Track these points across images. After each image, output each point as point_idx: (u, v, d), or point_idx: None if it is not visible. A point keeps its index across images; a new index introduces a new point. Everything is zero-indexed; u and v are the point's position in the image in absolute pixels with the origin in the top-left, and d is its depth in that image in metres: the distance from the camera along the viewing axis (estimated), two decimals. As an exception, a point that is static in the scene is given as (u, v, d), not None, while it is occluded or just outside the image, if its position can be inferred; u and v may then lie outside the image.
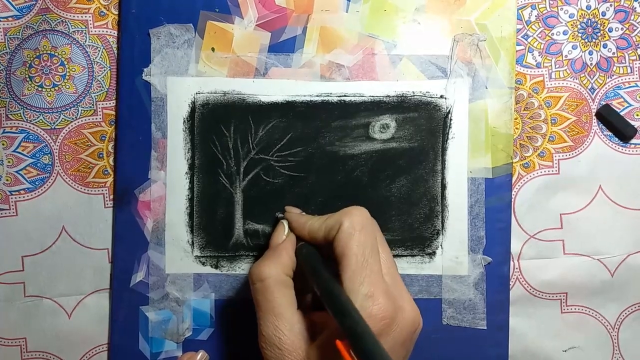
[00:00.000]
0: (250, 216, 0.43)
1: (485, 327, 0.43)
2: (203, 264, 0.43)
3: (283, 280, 0.34)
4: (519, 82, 0.44)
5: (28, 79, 0.43)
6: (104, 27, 0.43)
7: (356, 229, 0.33)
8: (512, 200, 0.44)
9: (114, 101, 0.43)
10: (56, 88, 0.43)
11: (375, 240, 0.34)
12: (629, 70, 0.45)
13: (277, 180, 0.43)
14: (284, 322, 0.32)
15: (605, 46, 0.44)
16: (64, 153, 0.43)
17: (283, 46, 0.43)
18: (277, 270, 0.34)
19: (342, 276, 0.32)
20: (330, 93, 0.43)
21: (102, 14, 0.43)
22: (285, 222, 0.38)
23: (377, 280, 0.31)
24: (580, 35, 0.44)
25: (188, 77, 0.42)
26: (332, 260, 0.33)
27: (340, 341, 0.28)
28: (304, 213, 0.40)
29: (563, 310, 0.44)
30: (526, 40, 0.44)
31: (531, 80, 0.44)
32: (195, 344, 0.43)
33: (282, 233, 0.38)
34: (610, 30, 0.44)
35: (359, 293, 0.31)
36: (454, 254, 0.43)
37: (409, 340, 0.32)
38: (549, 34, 0.44)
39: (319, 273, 0.33)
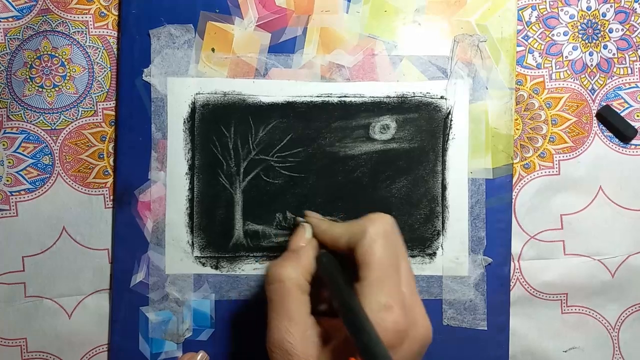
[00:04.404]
0: (250, 217, 0.43)
1: (486, 328, 0.43)
2: (203, 264, 0.43)
3: (301, 284, 0.33)
4: (519, 83, 0.44)
5: (29, 80, 0.43)
6: (104, 28, 0.43)
7: (380, 237, 0.32)
8: (513, 201, 0.44)
9: (114, 102, 0.43)
10: (57, 89, 0.43)
11: (397, 250, 0.33)
12: (629, 71, 0.45)
13: (277, 181, 0.43)
14: (297, 327, 0.31)
15: (605, 47, 0.44)
16: (64, 153, 0.43)
17: (283, 47, 0.43)
18: (296, 273, 0.33)
19: (362, 284, 0.31)
20: (331, 94, 0.43)
21: (103, 14, 0.43)
22: (307, 226, 0.37)
23: (396, 291, 0.31)
24: (580, 36, 0.44)
25: (188, 78, 0.42)
26: (351, 268, 0.33)
27: (354, 359, 0.28)
28: (324, 218, 0.40)
29: (563, 310, 0.44)
30: (526, 41, 0.44)
31: (531, 81, 0.44)
32: (195, 344, 0.43)
33: (303, 236, 0.37)
34: (611, 31, 0.44)
35: (376, 302, 0.30)
36: (455, 254, 0.43)
37: (418, 354, 0.32)
38: (550, 35, 0.44)
39: (339, 285, 0.32)
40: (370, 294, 0.31)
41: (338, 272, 0.33)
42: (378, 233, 0.32)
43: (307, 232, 0.37)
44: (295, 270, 0.33)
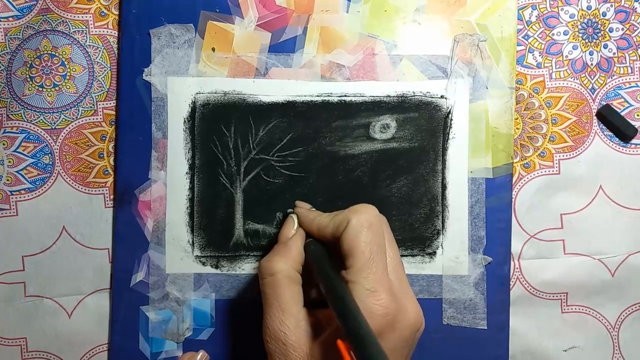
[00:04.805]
0: (251, 216, 0.43)
1: (486, 327, 0.43)
2: (203, 264, 0.43)
3: (292, 275, 0.34)
4: (519, 82, 0.44)
5: (29, 79, 0.43)
6: (105, 27, 0.43)
7: (364, 226, 0.33)
8: (513, 200, 0.44)
9: (115, 101, 0.43)
10: (57, 88, 0.43)
11: (383, 238, 0.34)
12: (629, 71, 0.45)
13: (278, 180, 0.43)
14: (291, 317, 0.32)
15: (605, 46, 0.44)
16: (64, 153, 0.43)
17: (283, 46, 0.43)
18: (287, 266, 0.34)
19: (348, 273, 0.32)
20: (331, 93, 0.43)
21: (103, 14, 0.43)
22: (294, 217, 0.39)
23: (382, 277, 0.32)
24: (580, 35, 0.44)
25: (188, 77, 0.42)
26: (339, 257, 0.34)
27: (341, 341, 0.28)
28: (313, 209, 0.40)
29: (563, 310, 0.44)
30: (527, 40, 0.44)
31: (532, 81, 0.44)
32: (196, 343, 0.43)
33: (292, 227, 0.38)
34: (611, 30, 0.44)
35: (362, 289, 0.31)
36: (455, 253, 0.43)
37: (410, 340, 0.32)
38: (550, 34, 0.44)
39: (326, 272, 0.33)
40: (357, 281, 0.31)
41: (325, 259, 0.34)
42: (362, 223, 0.33)
43: (294, 223, 0.38)
44: (285, 263, 0.34)
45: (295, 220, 0.38)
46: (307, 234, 0.38)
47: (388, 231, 0.35)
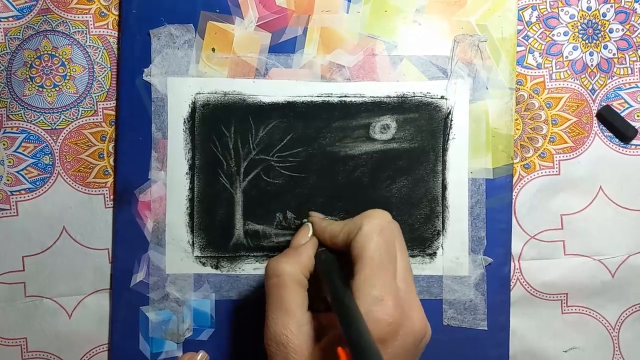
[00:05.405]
0: (251, 216, 0.43)
1: (486, 328, 0.43)
2: (203, 264, 0.43)
3: (299, 279, 0.34)
4: (519, 83, 0.44)
5: (29, 80, 0.43)
6: (105, 28, 0.43)
7: (375, 232, 0.33)
8: (513, 200, 0.44)
9: (115, 101, 0.43)
10: (57, 88, 0.43)
11: (394, 244, 0.33)
12: (629, 72, 0.45)
13: (278, 181, 0.43)
14: (294, 320, 0.32)
15: (605, 47, 0.44)
16: (64, 153, 0.43)
17: (283, 47, 0.43)
18: (294, 269, 0.34)
19: (356, 278, 0.32)
20: (331, 94, 0.43)
21: (103, 14, 0.43)
22: (309, 225, 0.39)
23: (390, 284, 0.31)
24: (580, 36, 0.44)
25: (188, 78, 0.42)
26: (350, 268, 0.33)
27: (341, 349, 0.28)
28: (326, 218, 0.40)
29: (563, 310, 0.44)
30: (527, 41, 0.44)
31: (532, 81, 0.44)
32: (196, 344, 0.43)
33: (306, 235, 0.38)
34: (611, 31, 0.44)
35: (369, 295, 0.30)
36: (455, 254, 0.43)
37: (414, 349, 0.31)
38: (550, 35, 0.44)
39: (332, 279, 0.32)
40: (363, 288, 0.31)
41: (335, 269, 0.34)
42: (373, 229, 0.33)
43: (308, 231, 0.38)
44: (293, 266, 0.34)
45: (310, 229, 0.38)
46: (320, 244, 0.37)
47: (400, 238, 0.35)
